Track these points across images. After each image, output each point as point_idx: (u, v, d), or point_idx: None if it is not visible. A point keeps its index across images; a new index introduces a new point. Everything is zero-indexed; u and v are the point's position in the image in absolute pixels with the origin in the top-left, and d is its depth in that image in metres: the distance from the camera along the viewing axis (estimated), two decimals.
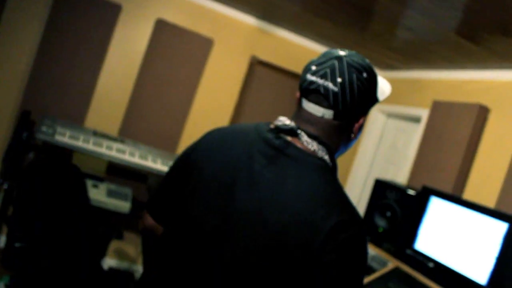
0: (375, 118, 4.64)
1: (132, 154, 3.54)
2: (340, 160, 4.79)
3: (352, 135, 1.19)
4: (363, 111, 1.17)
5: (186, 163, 1.23)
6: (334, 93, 1.09)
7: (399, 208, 3.17)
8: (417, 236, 2.93)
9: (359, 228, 1.05)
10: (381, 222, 3.23)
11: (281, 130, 1.13)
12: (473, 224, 2.61)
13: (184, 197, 1.17)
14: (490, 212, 2.54)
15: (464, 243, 2.63)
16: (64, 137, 3.33)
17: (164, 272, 1.16)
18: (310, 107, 1.13)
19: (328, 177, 1.09)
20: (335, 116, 1.12)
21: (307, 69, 1.15)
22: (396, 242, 3.09)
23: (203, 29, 4.12)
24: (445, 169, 3.33)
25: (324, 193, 1.05)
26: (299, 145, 1.12)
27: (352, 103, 1.10)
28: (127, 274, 3.67)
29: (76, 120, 3.81)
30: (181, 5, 4.04)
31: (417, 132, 3.92)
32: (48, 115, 3.56)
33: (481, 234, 2.55)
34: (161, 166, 3.58)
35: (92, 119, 3.90)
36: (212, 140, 1.22)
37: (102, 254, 3.43)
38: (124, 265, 3.65)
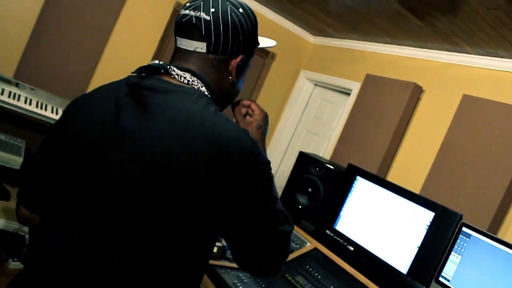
0: (302, 85, 4.43)
1: (28, 101, 3.03)
2: None
3: (230, 78, 1.13)
4: (240, 48, 1.10)
5: (53, 138, 1.12)
6: (206, 21, 1.04)
7: (322, 185, 3.01)
8: (339, 217, 2.80)
9: (247, 145, 0.98)
10: (301, 199, 3.06)
11: (146, 70, 1.05)
12: (398, 209, 2.51)
13: (60, 172, 1.06)
14: (418, 199, 2.45)
15: (387, 228, 2.53)
16: None
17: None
18: (182, 43, 1.08)
19: (202, 103, 1.00)
20: (208, 48, 1.06)
21: (182, 7, 1.10)
22: (316, 221, 2.94)
23: None
24: (372, 147, 3.21)
25: (200, 123, 0.96)
26: (169, 80, 1.04)
27: (225, 34, 1.06)
28: (16, 236, 3.24)
29: None
30: None
31: (346, 105, 3.76)
32: None
33: (405, 221, 2.45)
34: None
35: None
36: (76, 106, 1.12)
37: None
38: (14, 226, 3.20)
